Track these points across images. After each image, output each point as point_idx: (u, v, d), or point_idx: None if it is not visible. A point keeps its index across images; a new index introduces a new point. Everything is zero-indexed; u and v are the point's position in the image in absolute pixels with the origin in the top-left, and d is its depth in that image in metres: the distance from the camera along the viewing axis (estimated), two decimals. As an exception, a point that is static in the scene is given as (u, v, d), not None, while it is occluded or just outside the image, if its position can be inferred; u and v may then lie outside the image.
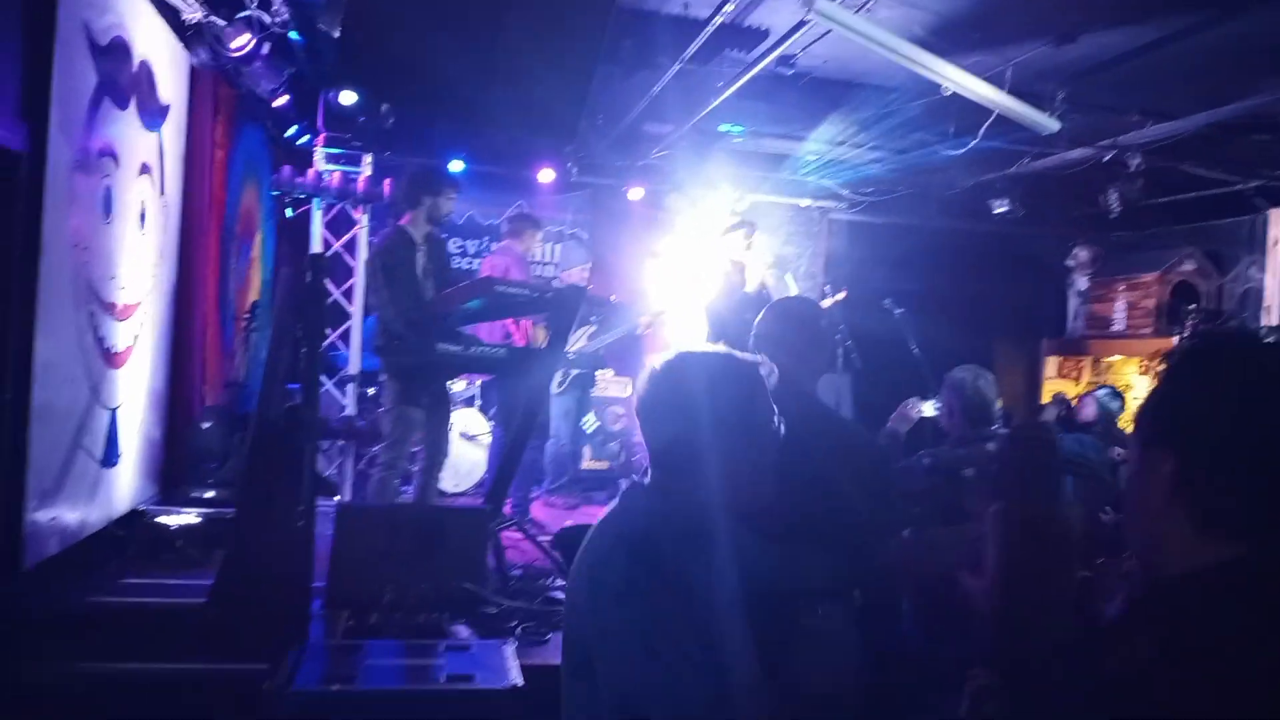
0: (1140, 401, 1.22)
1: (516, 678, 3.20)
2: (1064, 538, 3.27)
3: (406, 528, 4.15)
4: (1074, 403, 7.25)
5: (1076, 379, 9.46)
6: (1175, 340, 8.12)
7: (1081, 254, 9.18)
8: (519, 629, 3.99)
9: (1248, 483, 1.04)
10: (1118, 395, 6.94)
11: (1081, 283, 9.33)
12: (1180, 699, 0.95)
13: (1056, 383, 9.45)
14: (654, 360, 1.82)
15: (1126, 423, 7.39)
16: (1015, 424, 4.33)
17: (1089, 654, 1.12)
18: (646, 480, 1.81)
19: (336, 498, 4.60)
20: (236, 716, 3.23)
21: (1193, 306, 8.38)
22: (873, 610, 2.48)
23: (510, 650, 3.50)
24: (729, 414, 1.72)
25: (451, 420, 5.35)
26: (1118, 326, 9.06)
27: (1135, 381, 8.82)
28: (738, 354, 1.84)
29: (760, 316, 2.65)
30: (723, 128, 7.14)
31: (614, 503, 1.85)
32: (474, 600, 4.01)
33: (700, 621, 1.58)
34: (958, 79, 5.27)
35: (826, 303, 6.40)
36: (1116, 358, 9.10)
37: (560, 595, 4.42)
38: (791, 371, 2.48)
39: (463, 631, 3.77)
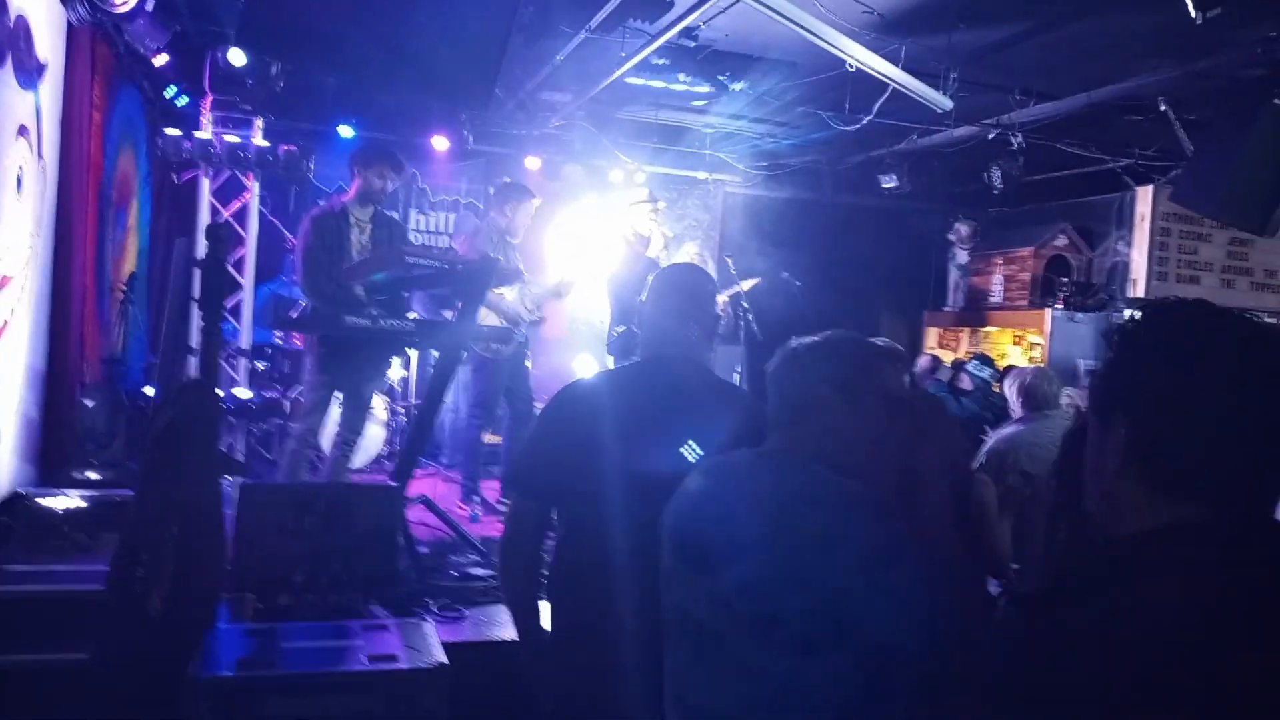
0: (1095, 370, 1.26)
1: (441, 656, 3.16)
2: None
3: (313, 507, 4.02)
4: (951, 370, 7.56)
5: (955, 349, 9.84)
6: (1048, 311, 8.54)
7: (961, 229, 9.51)
8: (435, 606, 3.94)
9: (1196, 447, 1.07)
10: (986, 363, 7.27)
11: (961, 256, 9.67)
12: (1131, 655, 0.98)
13: (937, 353, 9.80)
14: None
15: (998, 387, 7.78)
16: None
17: (1039, 612, 1.13)
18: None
19: (239, 478, 4.42)
20: (143, 707, 3.09)
21: (1065, 280, 8.80)
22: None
23: (431, 628, 3.46)
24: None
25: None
26: (995, 299, 9.45)
27: (1010, 351, 9.24)
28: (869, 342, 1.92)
29: (648, 284, 2.62)
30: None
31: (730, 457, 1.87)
32: (389, 578, 3.93)
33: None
34: (859, 55, 5.37)
35: (744, 286, 6.45)
36: (993, 329, 9.50)
37: (475, 571, 4.38)
38: (678, 337, 2.48)
39: (379, 611, 3.69)
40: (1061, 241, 9.10)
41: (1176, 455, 1.08)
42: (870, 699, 1.56)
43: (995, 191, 7.67)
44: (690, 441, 2.19)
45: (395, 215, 6.73)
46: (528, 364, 6.33)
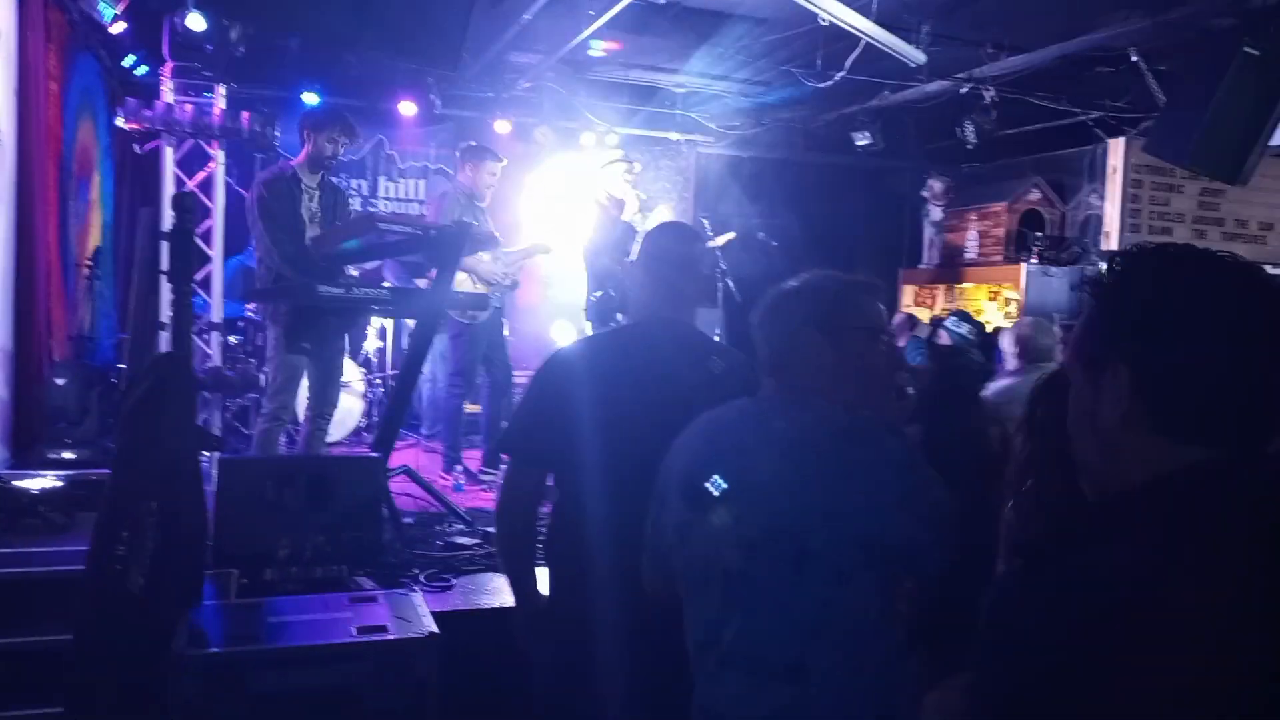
0: (1081, 321, 1.21)
1: (431, 625, 3.14)
2: None
3: (294, 480, 3.97)
4: (929, 328, 7.56)
5: (931, 306, 9.86)
6: (1023, 266, 8.56)
7: (935, 185, 9.48)
8: (422, 576, 3.92)
9: (1205, 383, 1.04)
10: (964, 319, 7.27)
11: (936, 213, 9.65)
12: (1172, 596, 0.95)
13: (913, 310, 9.81)
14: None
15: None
16: None
17: (1039, 561, 1.11)
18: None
19: (216, 453, 4.36)
20: (129, 685, 3.05)
21: (1039, 234, 8.82)
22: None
23: (419, 598, 3.43)
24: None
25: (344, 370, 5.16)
26: (970, 255, 9.47)
27: (986, 307, 9.26)
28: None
29: (638, 246, 2.61)
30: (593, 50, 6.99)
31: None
32: (374, 550, 3.89)
33: None
34: (831, 8, 5.31)
35: (718, 241, 6.41)
36: (969, 285, 9.52)
37: (461, 540, 4.35)
38: (664, 300, 2.47)
39: (366, 583, 3.66)
40: (1034, 196, 9.12)
41: (1185, 393, 1.05)
42: (887, 619, 1.65)
43: (968, 146, 7.65)
44: (685, 400, 2.16)
45: (346, 184, 6.63)
46: (505, 331, 6.28)
